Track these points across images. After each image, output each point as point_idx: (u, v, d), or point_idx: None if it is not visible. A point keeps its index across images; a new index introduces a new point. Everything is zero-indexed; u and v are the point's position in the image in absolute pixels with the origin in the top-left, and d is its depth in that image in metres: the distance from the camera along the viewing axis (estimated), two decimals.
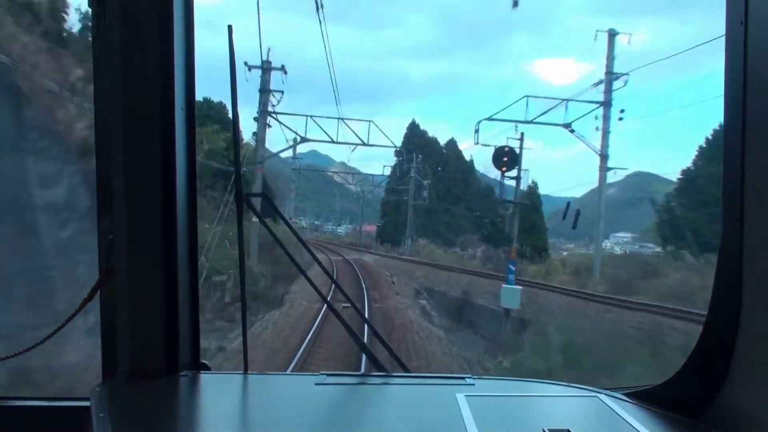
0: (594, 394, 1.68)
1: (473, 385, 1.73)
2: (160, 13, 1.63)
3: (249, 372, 1.84)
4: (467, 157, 56.67)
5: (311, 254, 2.05)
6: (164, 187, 1.69)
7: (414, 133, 58.87)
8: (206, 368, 1.82)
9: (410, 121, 62.65)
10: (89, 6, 1.69)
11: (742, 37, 1.33)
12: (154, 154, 1.67)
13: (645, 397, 1.63)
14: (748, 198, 1.34)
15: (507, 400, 1.67)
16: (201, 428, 1.51)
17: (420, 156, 50.40)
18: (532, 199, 44.88)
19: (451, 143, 57.48)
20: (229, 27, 1.74)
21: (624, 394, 1.67)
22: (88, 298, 1.75)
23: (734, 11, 1.36)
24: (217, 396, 1.71)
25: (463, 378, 1.79)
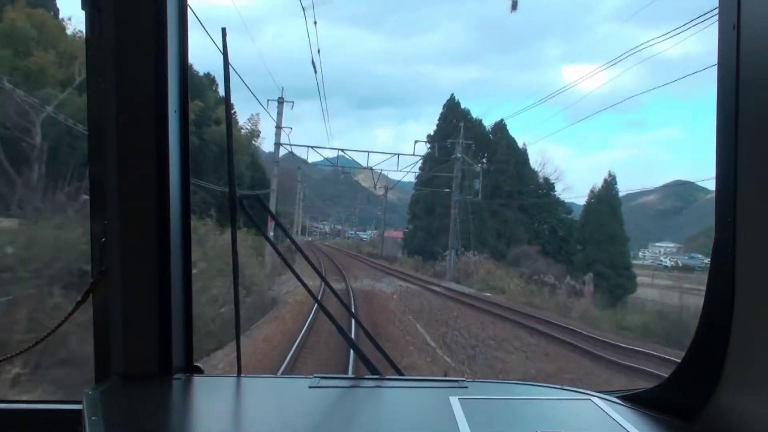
0: (587, 397, 1.93)
1: (467, 388, 1.99)
2: (154, 16, 1.92)
3: (242, 375, 2.13)
4: (520, 145, 50.92)
5: (304, 256, 2.39)
6: (157, 189, 1.98)
7: (453, 113, 51.73)
8: (199, 371, 2.12)
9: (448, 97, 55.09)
10: (83, 8, 1.98)
11: (734, 42, 1.55)
12: (148, 156, 1.96)
13: (638, 400, 1.86)
14: (741, 201, 1.56)
15: (500, 403, 1.92)
16: (194, 431, 1.78)
17: (462, 132, 42.86)
18: (609, 198, 40.23)
19: (500, 126, 51.59)
20: (223, 30, 2.09)
21: (617, 397, 1.90)
22: (80, 300, 2.05)
23: (727, 15, 1.58)
24: (210, 399, 1.99)
25: (456, 381, 2.05)
